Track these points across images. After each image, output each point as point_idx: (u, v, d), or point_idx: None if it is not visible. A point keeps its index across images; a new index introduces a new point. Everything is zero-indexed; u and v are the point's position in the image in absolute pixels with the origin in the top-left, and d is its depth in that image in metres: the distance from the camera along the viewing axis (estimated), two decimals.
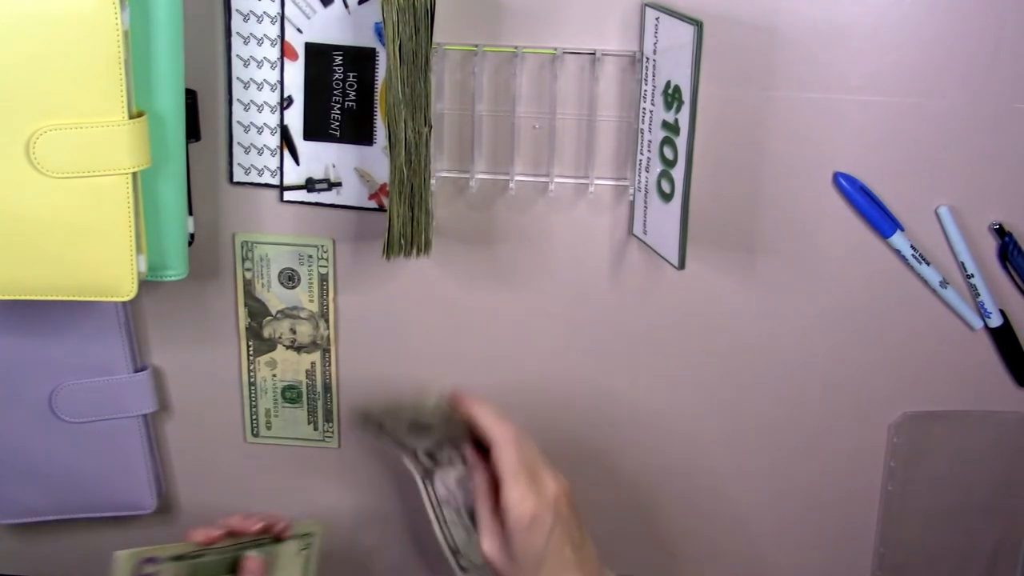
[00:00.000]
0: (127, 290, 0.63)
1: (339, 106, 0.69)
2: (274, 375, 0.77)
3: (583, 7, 0.66)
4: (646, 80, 0.65)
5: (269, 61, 0.68)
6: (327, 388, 0.77)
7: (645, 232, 0.69)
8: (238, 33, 0.68)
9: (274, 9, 0.67)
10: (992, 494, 0.77)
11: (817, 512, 0.78)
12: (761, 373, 0.75)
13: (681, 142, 0.62)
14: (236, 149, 0.71)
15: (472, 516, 0.70)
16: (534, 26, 0.66)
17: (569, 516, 0.65)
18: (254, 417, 0.78)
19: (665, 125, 0.64)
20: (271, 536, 0.70)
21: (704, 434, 0.77)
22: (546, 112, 0.68)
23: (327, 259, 0.73)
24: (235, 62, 0.68)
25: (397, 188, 0.65)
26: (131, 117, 0.59)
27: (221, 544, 0.68)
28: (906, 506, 0.77)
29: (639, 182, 0.68)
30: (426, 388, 0.72)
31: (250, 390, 0.77)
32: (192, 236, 0.72)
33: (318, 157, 0.70)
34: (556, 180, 0.69)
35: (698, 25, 0.59)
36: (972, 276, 0.71)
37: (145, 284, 0.65)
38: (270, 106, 0.69)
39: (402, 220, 0.66)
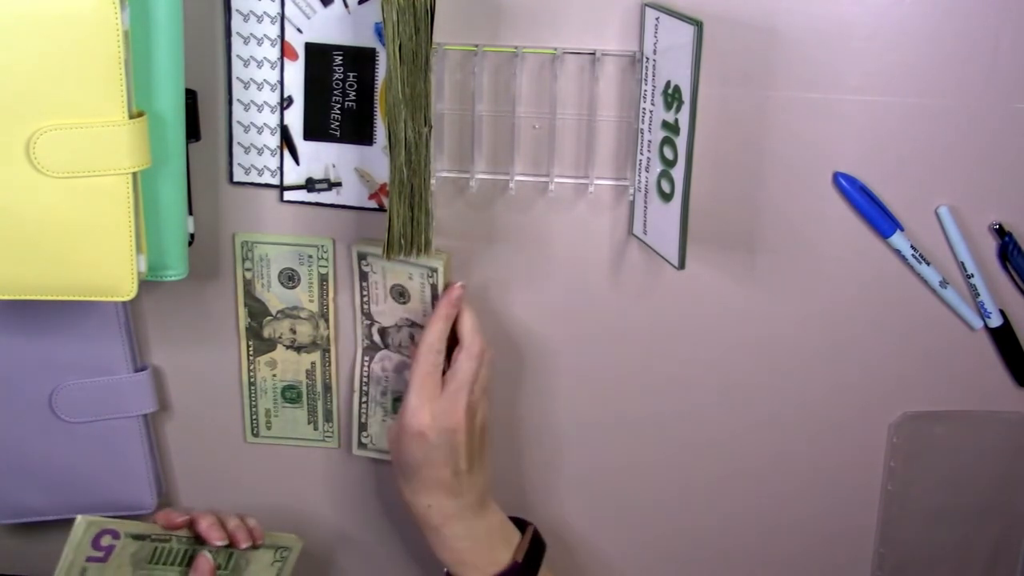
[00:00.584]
0: (127, 290, 0.63)
1: (339, 106, 0.69)
2: (274, 375, 0.77)
3: (583, 7, 0.66)
4: (646, 80, 0.65)
5: (269, 61, 0.68)
6: (327, 388, 0.77)
7: (645, 232, 0.69)
8: (238, 33, 0.68)
9: (274, 9, 0.67)
10: (992, 494, 0.77)
11: (817, 512, 0.78)
12: (761, 373, 0.75)
13: (681, 142, 0.62)
14: (236, 149, 0.71)
15: (398, 401, 0.75)
16: (534, 26, 0.66)
17: (463, 445, 0.68)
18: (254, 417, 0.78)
19: (665, 125, 0.64)
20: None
21: (703, 434, 0.77)
22: (546, 112, 0.68)
23: (327, 259, 0.73)
24: (235, 62, 0.68)
25: (397, 188, 0.65)
26: (131, 117, 0.59)
27: (187, 534, 0.67)
28: (906, 506, 0.77)
29: (639, 182, 0.68)
30: (440, 255, 0.71)
31: (250, 390, 0.77)
32: (192, 236, 0.72)
33: (318, 157, 0.70)
34: (556, 180, 0.69)
35: (698, 25, 0.59)
36: (972, 276, 0.71)
37: (145, 284, 0.65)
38: (270, 106, 0.69)
39: (402, 220, 0.66)
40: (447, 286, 0.70)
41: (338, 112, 0.69)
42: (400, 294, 0.72)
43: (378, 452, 0.77)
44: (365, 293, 0.73)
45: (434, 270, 0.70)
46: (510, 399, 0.76)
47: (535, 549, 0.72)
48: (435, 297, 0.71)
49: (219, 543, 0.67)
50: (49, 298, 0.62)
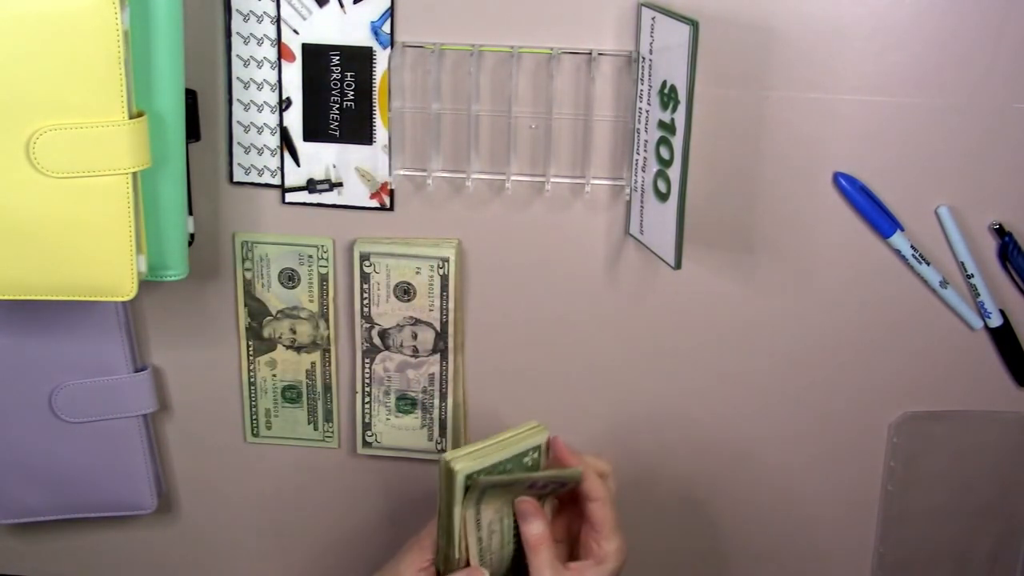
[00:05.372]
0: (127, 290, 0.63)
1: (337, 106, 0.69)
2: (274, 375, 0.77)
3: (579, 7, 0.66)
4: (642, 80, 0.65)
5: (269, 61, 0.69)
6: (327, 388, 0.77)
7: (641, 232, 0.69)
8: (238, 33, 0.68)
9: (274, 9, 0.67)
10: (992, 494, 0.77)
11: (817, 512, 0.78)
12: (759, 374, 0.74)
13: (677, 142, 0.62)
14: (236, 149, 0.71)
15: (401, 400, 0.75)
16: (530, 26, 0.66)
17: None
18: (254, 417, 0.78)
19: (661, 125, 0.64)
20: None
21: (702, 434, 0.76)
22: (542, 112, 0.68)
23: (327, 259, 0.73)
24: (235, 62, 0.69)
25: None
26: (131, 117, 0.60)
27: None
28: (906, 506, 0.77)
29: (635, 182, 0.68)
30: (451, 242, 0.70)
31: (250, 390, 0.77)
32: (192, 236, 0.72)
33: (318, 158, 0.71)
34: (552, 180, 0.69)
35: (694, 25, 0.59)
36: (972, 276, 0.71)
37: (145, 284, 0.65)
38: (270, 106, 0.70)
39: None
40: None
41: (336, 112, 0.69)
42: (405, 291, 0.72)
43: (383, 450, 0.78)
44: (366, 295, 0.73)
45: (445, 260, 0.70)
46: (506, 399, 0.76)
47: None
48: (444, 288, 0.71)
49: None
50: (49, 298, 0.63)
